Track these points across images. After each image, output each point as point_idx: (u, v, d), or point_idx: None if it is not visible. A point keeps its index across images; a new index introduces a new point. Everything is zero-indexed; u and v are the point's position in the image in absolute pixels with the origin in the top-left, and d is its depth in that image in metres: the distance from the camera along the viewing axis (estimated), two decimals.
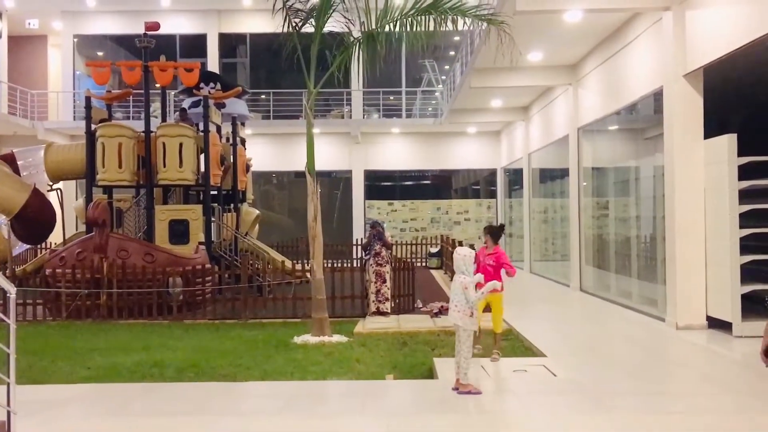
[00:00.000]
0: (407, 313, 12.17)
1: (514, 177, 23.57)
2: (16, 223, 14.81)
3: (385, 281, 11.90)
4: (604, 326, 10.94)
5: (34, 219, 14.74)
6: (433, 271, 20.56)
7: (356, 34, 10.45)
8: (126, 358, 8.68)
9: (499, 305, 8.16)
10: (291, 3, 10.24)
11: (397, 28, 10.06)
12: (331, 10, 10.19)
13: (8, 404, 4.46)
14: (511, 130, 23.39)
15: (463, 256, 6.60)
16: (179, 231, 14.40)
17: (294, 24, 10.32)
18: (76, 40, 26.49)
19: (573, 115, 15.47)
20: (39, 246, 19.15)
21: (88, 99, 15.17)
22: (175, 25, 25.66)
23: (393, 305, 12.06)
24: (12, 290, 4.67)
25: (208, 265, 13.27)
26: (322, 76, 10.39)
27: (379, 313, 11.76)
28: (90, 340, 10.15)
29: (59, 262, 12.72)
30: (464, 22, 10.32)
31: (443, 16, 9.97)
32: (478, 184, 27.26)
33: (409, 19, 9.98)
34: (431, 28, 9.94)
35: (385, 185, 26.53)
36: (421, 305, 12.91)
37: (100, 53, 27.01)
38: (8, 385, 4.49)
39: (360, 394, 6.71)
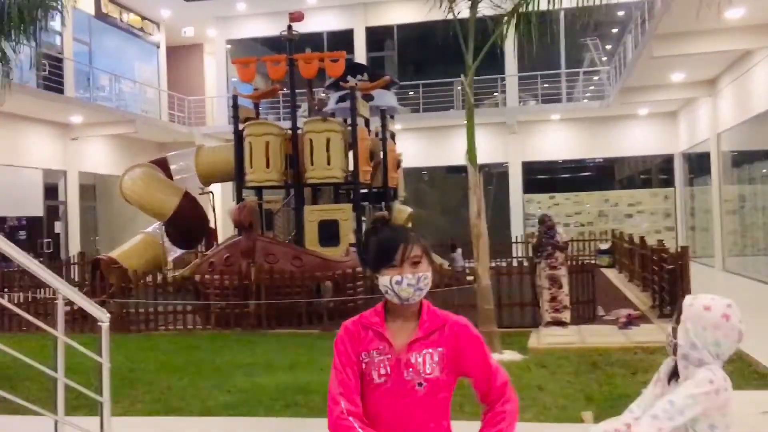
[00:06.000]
0: (588, 323, 10.38)
1: (698, 162, 20.73)
2: (170, 228, 14.58)
3: (561, 286, 10.16)
4: None
5: (185, 223, 14.42)
6: (604, 271, 18.37)
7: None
8: (270, 378, 7.67)
9: None
10: None
11: None
12: None
13: None
14: (692, 109, 20.56)
15: (732, 326, 2.60)
16: (329, 232, 13.44)
17: None
18: (229, 45, 26.75)
19: None
20: (200, 250, 19.13)
21: (234, 98, 14.66)
22: (322, 22, 25.17)
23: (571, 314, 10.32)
24: (105, 318, 3.63)
25: (359, 269, 12.20)
26: (477, 56, 8.99)
27: (556, 323, 10.06)
28: (235, 353, 9.31)
29: (208, 267, 12.17)
30: None
31: None
32: (649, 173, 24.51)
33: None
34: None
35: (545, 177, 24.46)
36: (602, 313, 11.06)
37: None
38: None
39: None
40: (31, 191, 19.73)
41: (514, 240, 21.99)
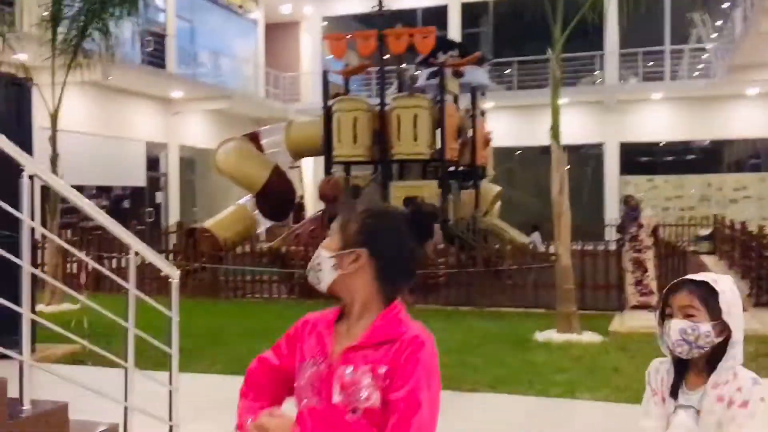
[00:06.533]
0: None
1: None
2: (259, 201, 15.02)
3: (646, 270, 9.80)
4: None
5: (274, 197, 14.81)
6: (703, 257, 17.57)
7: None
8: None
9: None
10: None
11: None
12: None
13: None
14: None
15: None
16: None
17: None
18: (325, 23, 27.08)
19: None
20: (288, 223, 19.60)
21: (325, 74, 14.91)
22: None
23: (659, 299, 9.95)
24: (175, 274, 3.81)
25: (441, 245, 12.18)
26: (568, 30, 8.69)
27: (642, 307, 9.73)
28: None
29: (294, 239, 12.49)
30: None
31: None
32: (758, 156, 23.08)
33: None
34: None
35: (643, 158, 23.51)
36: None
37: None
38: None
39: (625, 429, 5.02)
40: (134, 162, 20.77)
41: (607, 224, 21.32)
